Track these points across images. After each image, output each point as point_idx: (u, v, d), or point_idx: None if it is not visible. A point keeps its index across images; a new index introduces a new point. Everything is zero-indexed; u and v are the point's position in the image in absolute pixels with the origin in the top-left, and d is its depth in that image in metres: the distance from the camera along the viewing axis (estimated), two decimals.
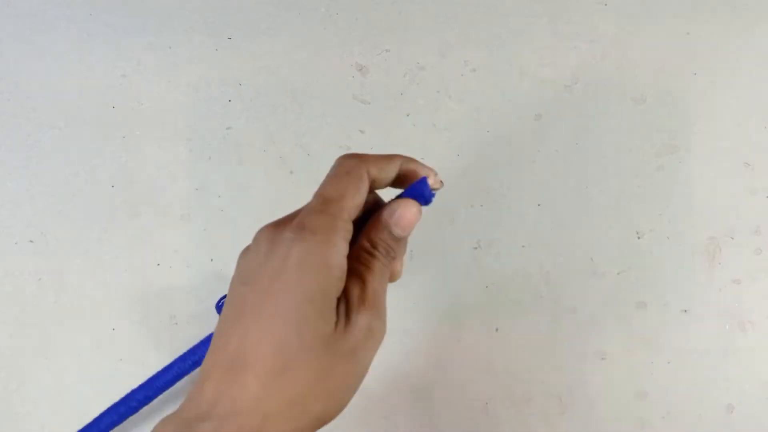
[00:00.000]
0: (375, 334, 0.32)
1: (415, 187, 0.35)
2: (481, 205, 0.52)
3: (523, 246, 0.52)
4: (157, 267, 0.50)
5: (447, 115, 0.53)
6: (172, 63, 0.53)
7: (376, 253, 0.33)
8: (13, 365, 0.49)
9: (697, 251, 0.52)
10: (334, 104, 0.53)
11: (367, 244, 0.33)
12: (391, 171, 0.34)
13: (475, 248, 0.52)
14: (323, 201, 0.32)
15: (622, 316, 0.51)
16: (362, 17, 0.55)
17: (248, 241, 0.33)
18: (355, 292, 0.32)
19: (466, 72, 0.54)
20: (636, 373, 0.50)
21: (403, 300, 0.51)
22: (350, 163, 0.33)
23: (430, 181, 0.35)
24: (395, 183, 0.35)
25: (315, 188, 0.35)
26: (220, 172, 0.52)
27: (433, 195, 0.35)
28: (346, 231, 0.31)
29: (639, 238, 0.52)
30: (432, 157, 0.53)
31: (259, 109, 0.53)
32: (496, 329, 0.51)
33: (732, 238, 0.52)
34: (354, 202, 0.32)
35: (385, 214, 0.33)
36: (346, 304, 0.32)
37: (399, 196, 0.35)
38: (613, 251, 0.52)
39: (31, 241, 0.51)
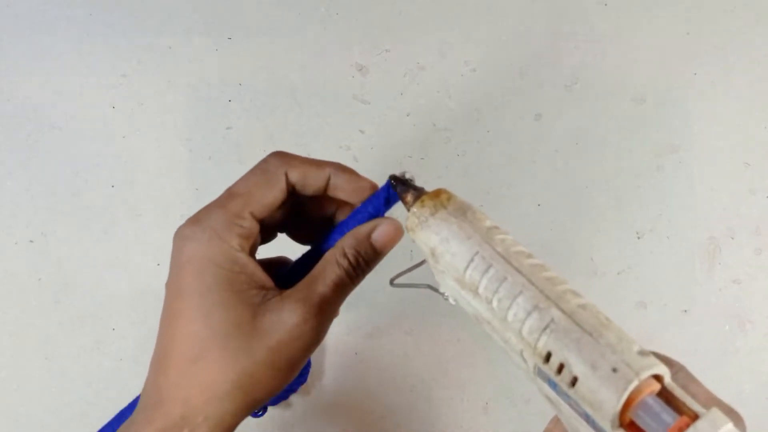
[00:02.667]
0: (306, 334, 0.32)
1: (381, 192, 0.35)
2: (481, 205, 0.52)
3: None
4: (157, 267, 0.50)
5: (447, 115, 0.53)
6: (172, 63, 0.53)
7: (343, 261, 0.33)
8: (13, 365, 0.49)
9: (697, 251, 0.52)
10: (334, 104, 0.53)
11: (336, 252, 0.34)
12: (318, 179, 0.34)
13: None
14: (227, 196, 0.33)
15: (622, 316, 0.51)
16: (362, 17, 0.55)
17: None
18: (302, 290, 0.33)
19: (466, 72, 0.54)
20: None
21: (403, 300, 0.51)
22: (271, 162, 0.34)
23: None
24: (328, 193, 0.35)
25: None
26: (220, 172, 0.52)
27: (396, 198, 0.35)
28: (242, 228, 0.32)
29: (639, 238, 0.52)
30: (432, 157, 0.53)
31: (259, 109, 0.53)
32: None
33: (732, 238, 0.52)
34: (262, 200, 0.33)
35: (367, 227, 0.34)
36: (284, 298, 0.32)
37: (366, 203, 0.35)
38: (613, 251, 0.52)
39: (31, 241, 0.51)
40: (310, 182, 0.34)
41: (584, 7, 0.55)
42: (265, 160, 0.34)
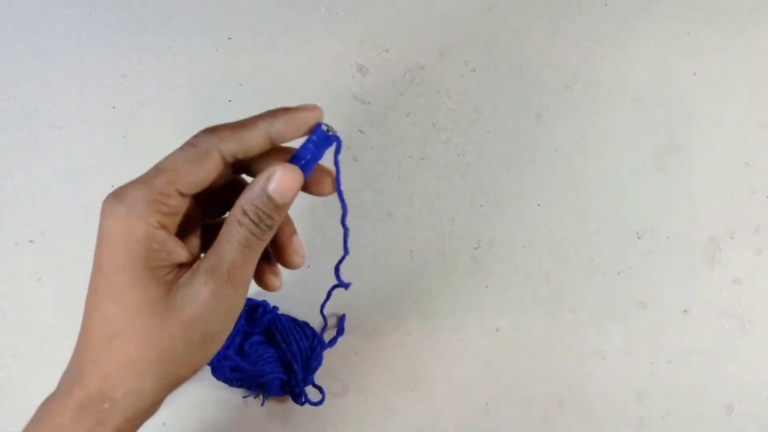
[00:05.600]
0: (220, 304, 0.31)
1: (314, 137, 0.33)
2: (481, 205, 0.52)
3: (523, 246, 0.52)
4: None
5: (447, 115, 0.53)
6: (172, 63, 0.53)
7: (245, 220, 0.31)
8: (13, 365, 0.49)
9: (697, 251, 0.52)
10: (334, 104, 0.53)
11: (236, 211, 0.32)
12: (255, 138, 0.32)
13: (475, 248, 0.52)
14: (154, 171, 0.32)
15: (622, 316, 0.51)
16: (362, 17, 0.55)
17: None
18: (208, 260, 0.32)
19: (466, 72, 0.54)
20: (636, 373, 0.50)
21: (403, 300, 0.51)
22: (201, 138, 0.32)
23: (323, 120, 0.33)
24: (278, 144, 0.33)
25: None
26: None
27: (335, 137, 0.33)
28: (165, 205, 0.31)
29: (639, 238, 0.52)
30: (432, 157, 0.53)
31: (259, 109, 0.53)
32: (496, 329, 0.51)
33: (732, 238, 0.52)
34: (191, 177, 0.31)
35: (261, 178, 0.32)
36: (194, 271, 0.31)
37: (300, 150, 0.33)
38: (613, 251, 0.52)
39: (31, 241, 0.51)
40: (249, 145, 0.32)
41: (584, 7, 0.55)
42: (195, 136, 0.33)
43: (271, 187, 0.31)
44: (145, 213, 0.31)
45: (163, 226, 0.31)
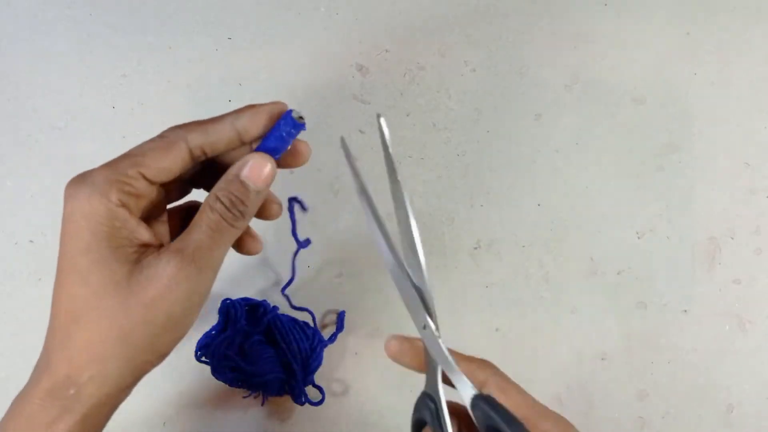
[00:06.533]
0: (181, 284, 0.31)
1: (278, 125, 0.34)
2: (481, 205, 0.52)
3: (523, 246, 0.52)
4: None
5: (447, 115, 0.53)
6: (172, 63, 0.53)
7: (216, 205, 0.32)
8: (13, 366, 0.49)
9: (697, 251, 0.52)
10: (334, 104, 0.53)
11: (210, 197, 0.33)
12: (221, 131, 0.33)
13: (475, 248, 0.52)
14: (120, 156, 0.33)
15: (622, 316, 0.51)
16: (362, 17, 0.55)
17: None
18: (176, 242, 0.32)
19: (466, 72, 0.54)
20: (636, 373, 0.50)
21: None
22: (169, 131, 0.34)
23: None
24: (244, 141, 0.34)
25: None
26: None
27: (301, 125, 0.34)
28: (128, 186, 0.32)
29: (639, 238, 0.52)
30: (432, 157, 0.53)
31: None
32: (496, 329, 0.51)
33: (732, 238, 0.52)
34: (157, 164, 0.32)
35: (235, 166, 0.33)
36: (161, 252, 0.32)
37: (264, 140, 0.34)
38: (613, 251, 0.52)
39: (31, 241, 0.51)
40: (215, 138, 0.33)
41: (584, 7, 0.55)
42: (165, 130, 0.34)
43: (244, 173, 0.33)
44: (107, 191, 0.31)
45: (124, 205, 0.32)
